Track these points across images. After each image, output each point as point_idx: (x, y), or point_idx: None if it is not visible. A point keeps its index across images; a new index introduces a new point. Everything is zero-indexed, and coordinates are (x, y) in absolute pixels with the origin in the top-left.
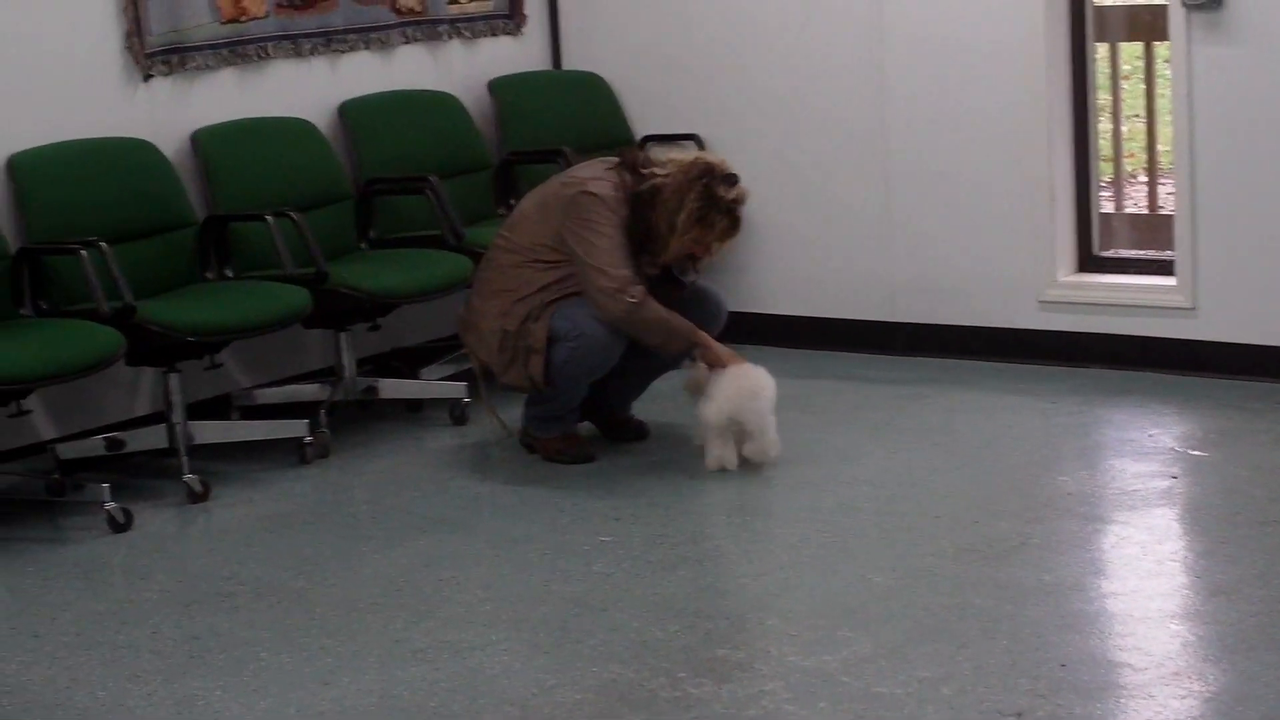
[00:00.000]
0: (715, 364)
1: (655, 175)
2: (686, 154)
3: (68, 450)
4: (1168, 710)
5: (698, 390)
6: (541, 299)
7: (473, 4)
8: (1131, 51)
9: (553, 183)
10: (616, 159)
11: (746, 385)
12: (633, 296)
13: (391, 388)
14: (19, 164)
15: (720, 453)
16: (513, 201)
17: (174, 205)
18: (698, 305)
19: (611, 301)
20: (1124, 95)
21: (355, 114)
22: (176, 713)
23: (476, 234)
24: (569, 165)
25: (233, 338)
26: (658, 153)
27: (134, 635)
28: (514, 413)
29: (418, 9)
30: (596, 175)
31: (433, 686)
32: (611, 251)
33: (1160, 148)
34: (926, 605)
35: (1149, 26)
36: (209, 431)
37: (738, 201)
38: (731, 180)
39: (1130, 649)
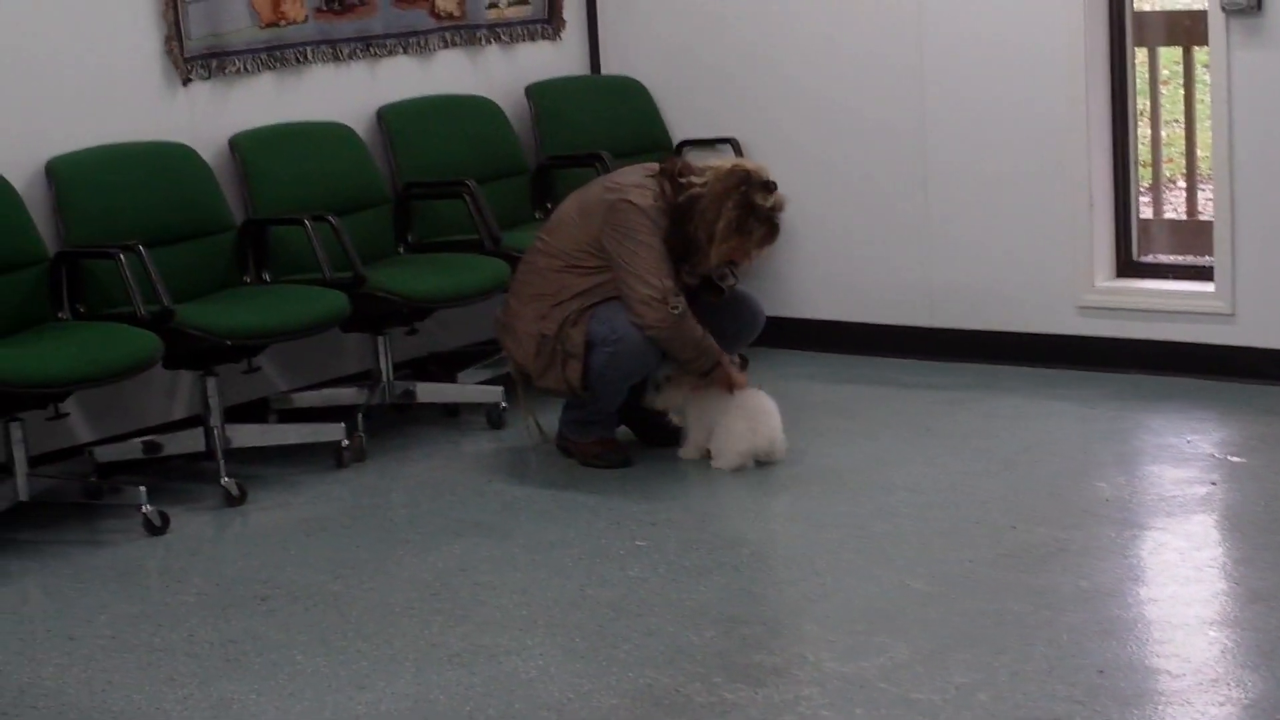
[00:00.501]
0: (729, 388)
1: (693, 185)
2: (724, 161)
3: (105, 453)
4: (1205, 717)
5: (670, 405)
6: (579, 304)
7: (511, 9)
8: (1170, 56)
9: (595, 187)
10: (657, 167)
11: (763, 424)
12: (675, 307)
13: (428, 392)
14: (58, 168)
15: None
16: (550, 206)
17: (212, 209)
18: (736, 311)
19: (653, 311)
20: (1163, 100)
21: (393, 118)
22: (212, 716)
23: (514, 238)
24: (606, 170)
25: (270, 341)
26: (697, 161)
27: (170, 638)
28: (551, 416)
29: (456, 14)
30: (638, 184)
31: (468, 690)
32: (654, 261)
33: (1199, 153)
34: (964, 611)
35: (1188, 31)
36: (246, 435)
37: (776, 209)
38: (769, 187)
39: (1168, 655)
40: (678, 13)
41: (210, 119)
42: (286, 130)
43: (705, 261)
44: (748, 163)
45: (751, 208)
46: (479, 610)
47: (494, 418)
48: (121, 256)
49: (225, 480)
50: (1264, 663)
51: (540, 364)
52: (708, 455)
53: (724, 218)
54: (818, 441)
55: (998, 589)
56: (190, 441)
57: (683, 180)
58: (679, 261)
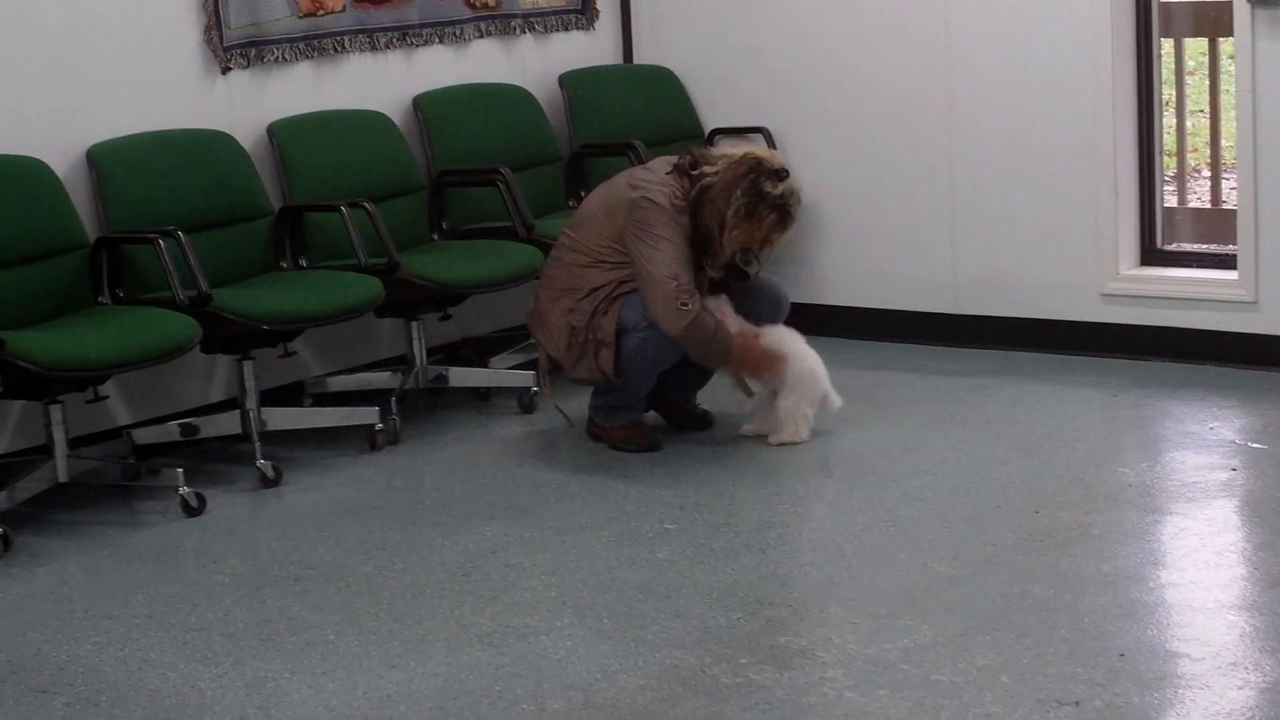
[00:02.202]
0: (761, 366)
1: (705, 175)
2: (737, 149)
3: (143, 435)
4: (1224, 700)
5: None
6: (607, 293)
7: None
8: (1196, 47)
9: (619, 182)
10: (675, 161)
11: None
12: (685, 304)
13: (461, 376)
14: (99, 154)
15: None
16: (582, 194)
17: (250, 196)
18: (762, 298)
19: (666, 309)
20: (1188, 90)
21: (429, 107)
22: (246, 694)
23: (546, 225)
24: (639, 158)
25: (306, 326)
26: (712, 150)
27: (205, 618)
28: (579, 402)
29: (491, 4)
30: (661, 181)
31: (498, 671)
32: (669, 261)
33: (1223, 143)
34: (987, 594)
35: (1214, 22)
36: (281, 418)
37: (786, 196)
38: (780, 174)
39: (1188, 639)
40: (710, 3)
41: (249, 107)
42: (324, 118)
43: (720, 250)
44: (760, 150)
45: (761, 195)
46: (509, 592)
47: (525, 402)
48: (160, 242)
49: (261, 462)
50: None
51: (572, 355)
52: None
53: (734, 205)
54: (843, 426)
55: (1020, 572)
56: (227, 424)
57: (695, 173)
58: (700, 254)
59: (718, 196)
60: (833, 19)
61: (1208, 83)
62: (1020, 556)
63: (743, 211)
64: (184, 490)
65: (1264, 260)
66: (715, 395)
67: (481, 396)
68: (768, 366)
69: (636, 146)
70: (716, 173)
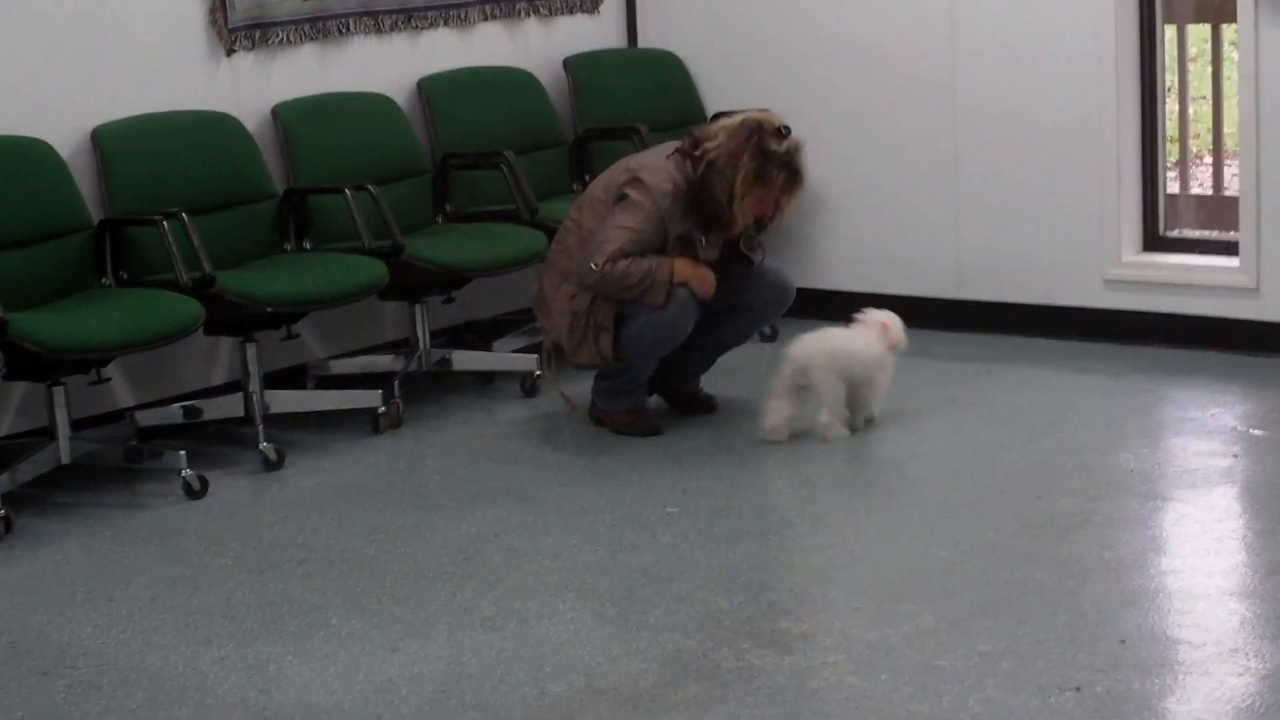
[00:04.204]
0: (694, 281)
1: (708, 151)
2: (732, 119)
3: (146, 418)
4: (1225, 687)
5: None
6: None
7: None
8: (1199, 34)
9: (619, 166)
10: (674, 147)
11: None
12: (595, 264)
13: (464, 359)
14: (104, 136)
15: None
16: (587, 178)
17: (254, 178)
18: (766, 284)
19: (581, 265)
20: (1191, 77)
21: (433, 90)
22: (248, 677)
23: (550, 209)
24: (644, 142)
25: (310, 308)
26: (709, 126)
27: (207, 600)
28: (582, 386)
29: None
30: (656, 165)
31: (499, 654)
32: (619, 227)
33: (1226, 129)
34: (988, 580)
35: (1217, 9)
36: (285, 401)
37: (792, 152)
38: (783, 132)
39: (1189, 626)
40: None
41: (253, 89)
42: (328, 101)
43: (734, 223)
44: (756, 112)
45: (768, 155)
46: (511, 575)
47: (528, 386)
48: (164, 224)
49: (264, 445)
50: None
51: (574, 340)
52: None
53: (742, 171)
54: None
55: (1022, 558)
56: (230, 407)
57: (697, 153)
58: (708, 230)
59: (724, 166)
60: (837, 3)
61: (1210, 69)
62: (1022, 542)
63: (752, 176)
64: (186, 473)
65: (1266, 247)
66: (719, 380)
67: (485, 380)
68: (707, 280)
69: (640, 130)
70: (719, 145)
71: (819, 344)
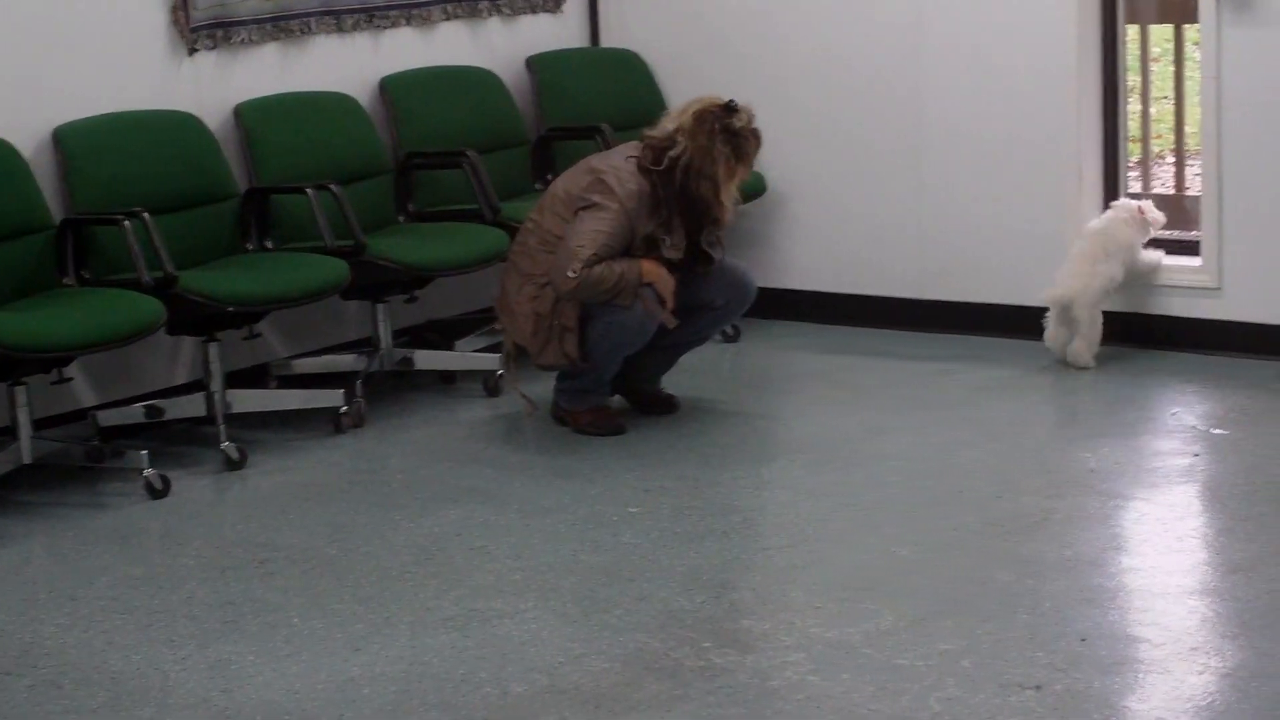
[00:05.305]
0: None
1: (676, 159)
2: (676, 116)
3: (108, 417)
4: (1184, 685)
5: None
6: None
7: None
8: (1161, 34)
9: (581, 167)
10: (637, 145)
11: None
12: (573, 271)
13: (427, 359)
14: (65, 135)
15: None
16: (550, 177)
17: (216, 177)
18: (728, 283)
19: (557, 274)
20: (1153, 77)
21: (396, 89)
22: (209, 677)
23: (513, 208)
24: (606, 142)
25: (272, 308)
26: (653, 131)
27: (169, 600)
28: (544, 386)
29: None
30: (618, 166)
31: (462, 654)
32: (588, 231)
33: (1188, 129)
34: (949, 579)
35: (1179, 9)
36: (247, 400)
37: (751, 118)
38: (732, 107)
39: (1149, 624)
40: None
41: (215, 88)
42: (290, 100)
43: (723, 211)
44: (698, 102)
45: (735, 133)
46: (473, 575)
47: (491, 385)
48: (126, 223)
49: (226, 445)
50: (1242, 632)
51: (539, 342)
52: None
53: (719, 160)
54: (808, 411)
55: (983, 557)
56: (192, 406)
57: (665, 163)
58: (696, 226)
59: (702, 164)
60: (801, 4)
61: (1172, 69)
62: (983, 541)
63: (732, 159)
64: (148, 472)
65: (1227, 247)
66: (680, 380)
67: (447, 379)
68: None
69: (603, 130)
70: (684, 148)
71: (1089, 281)
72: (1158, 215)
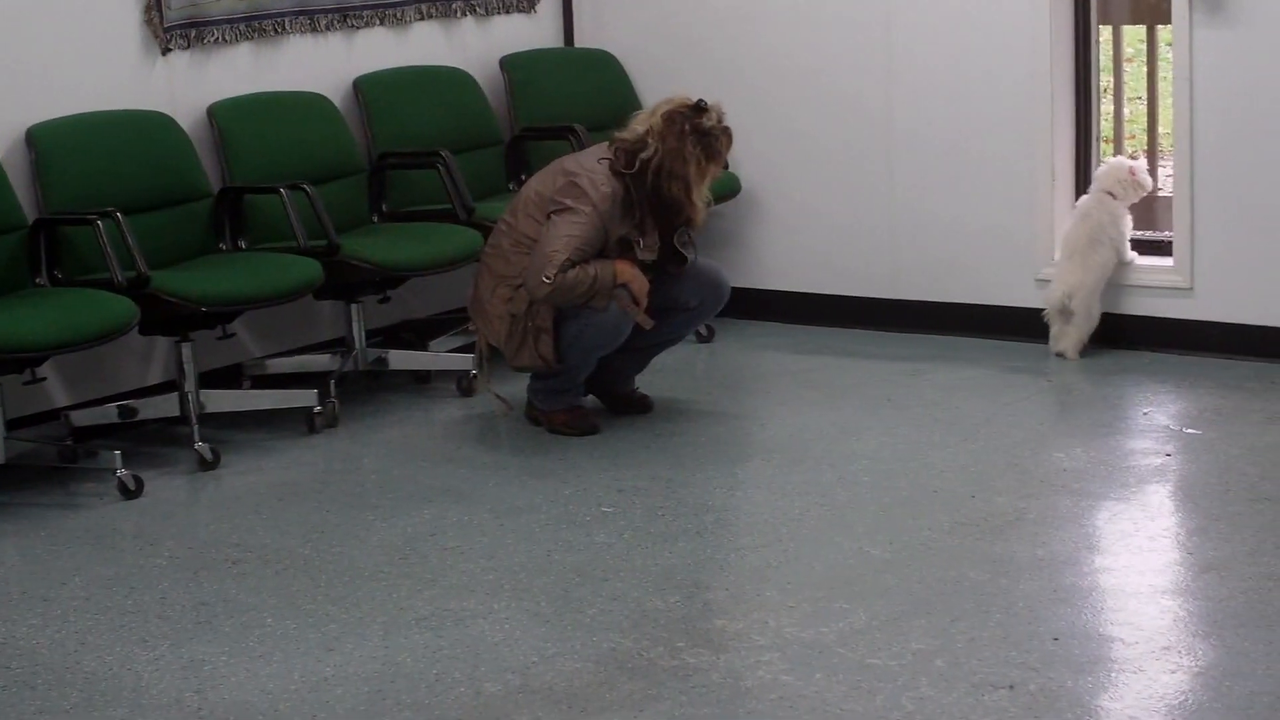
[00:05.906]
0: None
1: (647, 162)
2: (645, 118)
3: (81, 417)
4: (1157, 684)
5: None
6: None
7: None
8: (1134, 34)
9: (555, 168)
10: (607, 146)
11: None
12: (549, 277)
13: (401, 359)
14: (38, 135)
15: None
16: (524, 177)
17: (190, 177)
18: (702, 283)
19: (533, 279)
20: (1126, 78)
21: (370, 89)
22: (183, 677)
23: (487, 208)
24: (581, 142)
25: (245, 308)
26: (623, 133)
27: (142, 600)
28: (518, 386)
29: None
30: (592, 169)
31: (435, 654)
32: (562, 235)
33: (1161, 130)
34: (922, 579)
35: (1152, 10)
36: (220, 400)
37: (721, 116)
38: (701, 106)
39: (1121, 624)
40: None
41: (189, 88)
42: (264, 100)
43: (696, 211)
44: (668, 103)
45: (706, 133)
46: (446, 575)
47: (464, 386)
48: (99, 223)
49: (199, 445)
50: (1215, 631)
51: (513, 344)
52: None
53: (692, 161)
54: (782, 411)
55: (956, 557)
56: (165, 406)
57: (636, 167)
58: (669, 227)
59: (674, 165)
60: (774, 4)
61: (1145, 70)
62: (956, 541)
63: (704, 158)
64: (122, 472)
65: (1199, 247)
66: (654, 380)
67: (421, 379)
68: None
69: (577, 130)
70: (655, 150)
71: (1083, 275)
72: (1148, 179)
